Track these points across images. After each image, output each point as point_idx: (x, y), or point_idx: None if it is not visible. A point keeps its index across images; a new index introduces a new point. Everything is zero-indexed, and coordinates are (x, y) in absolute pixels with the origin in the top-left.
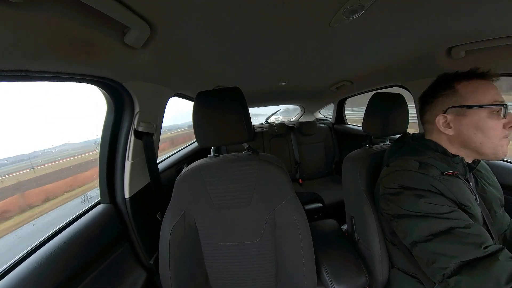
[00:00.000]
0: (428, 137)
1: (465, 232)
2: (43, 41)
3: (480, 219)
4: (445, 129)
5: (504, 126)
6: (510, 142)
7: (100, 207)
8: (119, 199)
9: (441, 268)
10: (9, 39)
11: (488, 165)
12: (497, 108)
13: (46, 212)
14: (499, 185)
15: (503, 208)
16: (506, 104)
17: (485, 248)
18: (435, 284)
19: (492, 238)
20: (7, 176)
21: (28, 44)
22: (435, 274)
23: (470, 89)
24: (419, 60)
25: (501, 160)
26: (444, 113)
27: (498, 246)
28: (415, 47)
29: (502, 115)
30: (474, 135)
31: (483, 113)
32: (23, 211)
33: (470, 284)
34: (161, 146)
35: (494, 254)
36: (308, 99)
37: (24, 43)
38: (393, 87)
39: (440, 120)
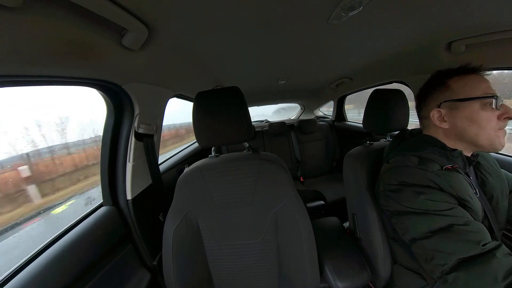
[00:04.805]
0: (425, 132)
1: (463, 229)
2: (41, 45)
3: (481, 213)
4: (441, 123)
5: (498, 118)
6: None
7: (103, 209)
8: (121, 201)
9: (440, 265)
10: (7, 44)
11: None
12: (489, 100)
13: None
14: (503, 175)
15: (507, 199)
16: (497, 96)
17: (483, 245)
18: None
19: (493, 231)
20: None
21: (26, 49)
22: (434, 271)
23: (461, 84)
24: (419, 55)
25: (504, 155)
26: (438, 107)
27: (496, 243)
28: (414, 43)
29: (495, 107)
30: (469, 127)
31: (476, 105)
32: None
33: (468, 280)
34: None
35: (492, 251)
36: (307, 97)
37: (22, 47)
38: (393, 83)
39: (434, 114)
